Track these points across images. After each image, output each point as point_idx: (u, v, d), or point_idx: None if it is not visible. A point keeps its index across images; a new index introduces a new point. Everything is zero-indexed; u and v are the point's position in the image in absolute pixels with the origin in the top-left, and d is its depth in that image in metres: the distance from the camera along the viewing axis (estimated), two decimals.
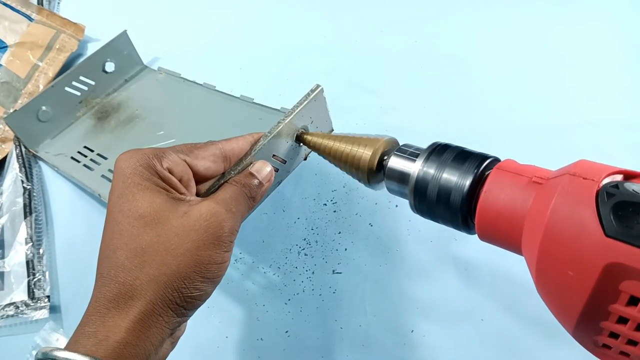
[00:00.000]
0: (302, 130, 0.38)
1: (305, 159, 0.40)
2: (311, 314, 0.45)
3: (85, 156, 0.54)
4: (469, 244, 0.45)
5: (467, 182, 0.29)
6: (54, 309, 0.47)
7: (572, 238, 0.23)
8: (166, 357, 0.31)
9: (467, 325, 0.43)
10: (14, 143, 0.55)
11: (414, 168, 0.32)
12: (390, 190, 0.35)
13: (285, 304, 0.45)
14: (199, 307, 0.31)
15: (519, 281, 0.43)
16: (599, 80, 0.55)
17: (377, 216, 0.49)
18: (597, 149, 0.50)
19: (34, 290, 0.48)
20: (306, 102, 0.37)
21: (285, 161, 0.38)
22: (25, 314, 0.47)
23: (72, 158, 0.54)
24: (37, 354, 0.27)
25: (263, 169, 0.34)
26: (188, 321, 0.32)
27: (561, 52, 0.58)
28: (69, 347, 0.27)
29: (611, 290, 0.22)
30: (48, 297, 0.47)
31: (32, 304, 0.47)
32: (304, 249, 0.48)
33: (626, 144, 0.50)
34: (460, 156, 0.31)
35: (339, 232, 0.48)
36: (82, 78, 0.57)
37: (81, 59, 0.61)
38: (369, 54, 0.60)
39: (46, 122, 0.55)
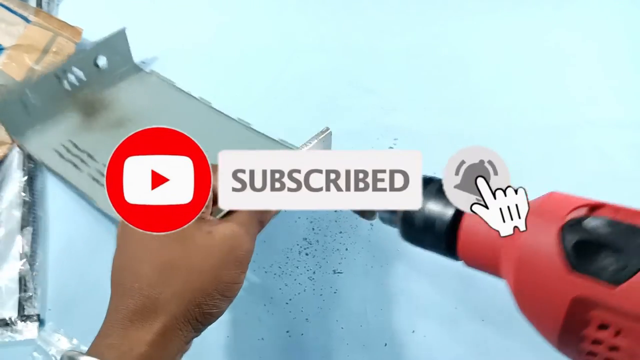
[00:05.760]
0: None
1: None
2: (312, 314, 0.45)
3: (69, 151, 0.52)
4: None
5: (450, 212, 0.31)
6: (43, 327, 0.46)
7: (541, 273, 0.25)
8: None
9: (467, 325, 0.43)
10: (19, 152, 0.54)
11: None
12: (382, 219, 0.37)
13: (287, 303, 0.45)
14: (213, 323, 0.32)
15: None
16: (599, 80, 0.55)
17: None
18: (597, 149, 0.50)
19: (25, 307, 0.46)
20: (316, 142, 0.39)
21: None
22: (15, 331, 0.45)
23: (56, 151, 0.53)
24: (62, 357, 0.28)
25: None
26: None
27: (561, 52, 0.58)
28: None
29: (582, 318, 0.24)
30: (38, 315, 0.46)
31: (22, 322, 0.46)
32: (305, 248, 0.48)
33: (626, 144, 0.50)
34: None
35: (340, 232, 0.48)
36: (74, 69, 0.56)
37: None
38: (369, 54, 0.61)
39: (31, 110, 0.54)
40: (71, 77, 0.56)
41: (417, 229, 0.33)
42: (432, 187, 0.33)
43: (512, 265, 0.27)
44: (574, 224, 0.24)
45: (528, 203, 0.27)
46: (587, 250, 0.23)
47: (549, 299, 0.25)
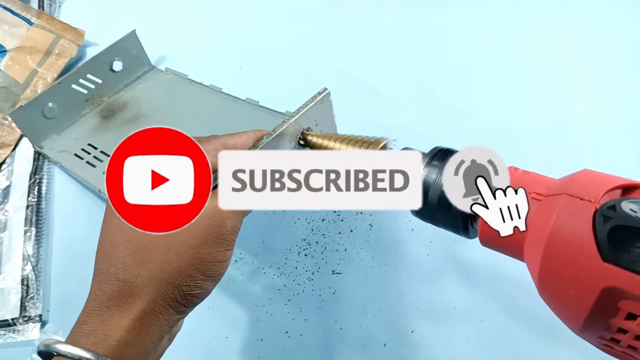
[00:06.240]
0: (305, 131, 0.38)
1: None
2: (311, 315, 0.45)
3: (89, 153, 0.53)
4: (469, 245, 0.45)
5: None
6: (44, 328, 0.46)
7: (571, 261, 0.24)
8: (163, 353, 0.31)
9: (467, 325, 0.43)
10: (24, 155, 0.55)
11: None
12: None
13: (285, 304, 0.45)
14: (199, 304, 0.31)
15: (519, 281, 0.43)
16: (598, 80, 0.55)
17: (377, 216, 0.49)
18: (596, 149, 0.50)
19: (27, 308, 0.46)
20: (312, 104, 0.37)
21: None
22: (17, 332, 0.46)
23: (76, 155, 0.54)
24: (38, 345, 0.28)
25: None
26: (188, 321, 0.32)
27: (561, 52, 0.58)
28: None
29: (610, 308, 0.23)
30: (40, 316, 0.46)
31: (24, 322, 0.46)
32: (304, 249, 0.48)
33: (625, 144, 0.50)
34: None
35: (339, 233, 0.48)
36: (89, 76, 0.57)
37: (87, 59, 0.60)
38: (369, 54, 0.61)
39: (52, 119, 0.55)
40: (88, 84, 0.57)
41: (431, 205, 0.31)
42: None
43: (540, 249, 0.25)
44: (609, 208, 0.23)
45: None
46: (621, 236, 0.22)
47: (577, 287, 0.24)
